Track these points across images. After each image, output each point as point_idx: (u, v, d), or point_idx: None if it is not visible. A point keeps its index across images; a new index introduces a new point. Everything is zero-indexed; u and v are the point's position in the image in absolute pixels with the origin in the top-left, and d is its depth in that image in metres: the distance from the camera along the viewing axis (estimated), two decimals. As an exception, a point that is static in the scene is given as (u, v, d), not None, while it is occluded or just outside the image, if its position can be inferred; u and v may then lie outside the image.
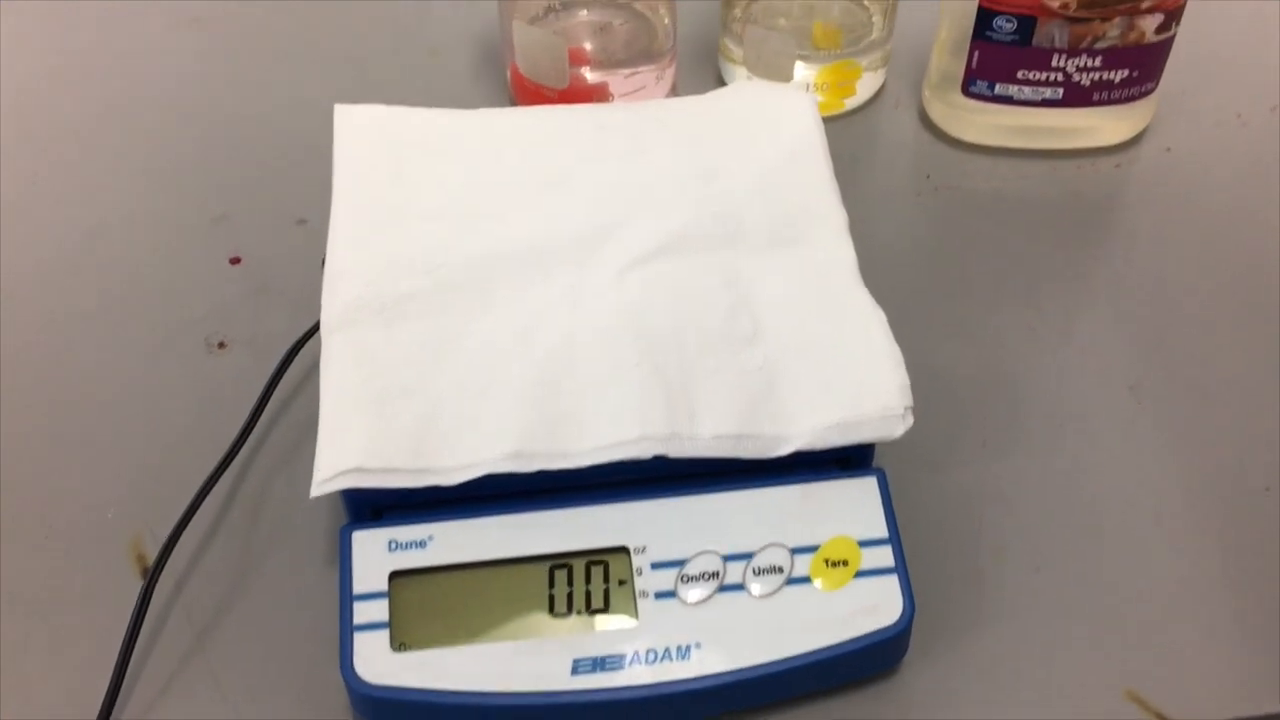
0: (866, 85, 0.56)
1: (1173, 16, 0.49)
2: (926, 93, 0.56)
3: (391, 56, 0.61)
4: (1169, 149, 0.55)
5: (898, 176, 0.54)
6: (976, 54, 0.51)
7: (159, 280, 0.50)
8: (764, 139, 0.47)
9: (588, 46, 0.54)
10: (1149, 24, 0.49)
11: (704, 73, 0.59)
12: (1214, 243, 0.51)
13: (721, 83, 0.58)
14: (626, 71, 0.54)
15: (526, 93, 0.55)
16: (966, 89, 0.52)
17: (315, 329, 0.44)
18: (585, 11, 0.55)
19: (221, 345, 0.47)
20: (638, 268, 0.43)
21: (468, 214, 0.45)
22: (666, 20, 0.54)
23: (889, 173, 0.54)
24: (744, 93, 0.49)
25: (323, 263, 0.45)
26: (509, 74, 0.56)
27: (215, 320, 0.48)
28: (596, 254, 0.43)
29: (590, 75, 0.53)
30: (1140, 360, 0.47)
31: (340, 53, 0.61)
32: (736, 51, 0.55)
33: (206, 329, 0.48)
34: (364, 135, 0.48)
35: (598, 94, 0.54)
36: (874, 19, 0.55)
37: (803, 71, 0.54)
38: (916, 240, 0.52)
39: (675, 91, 0.57)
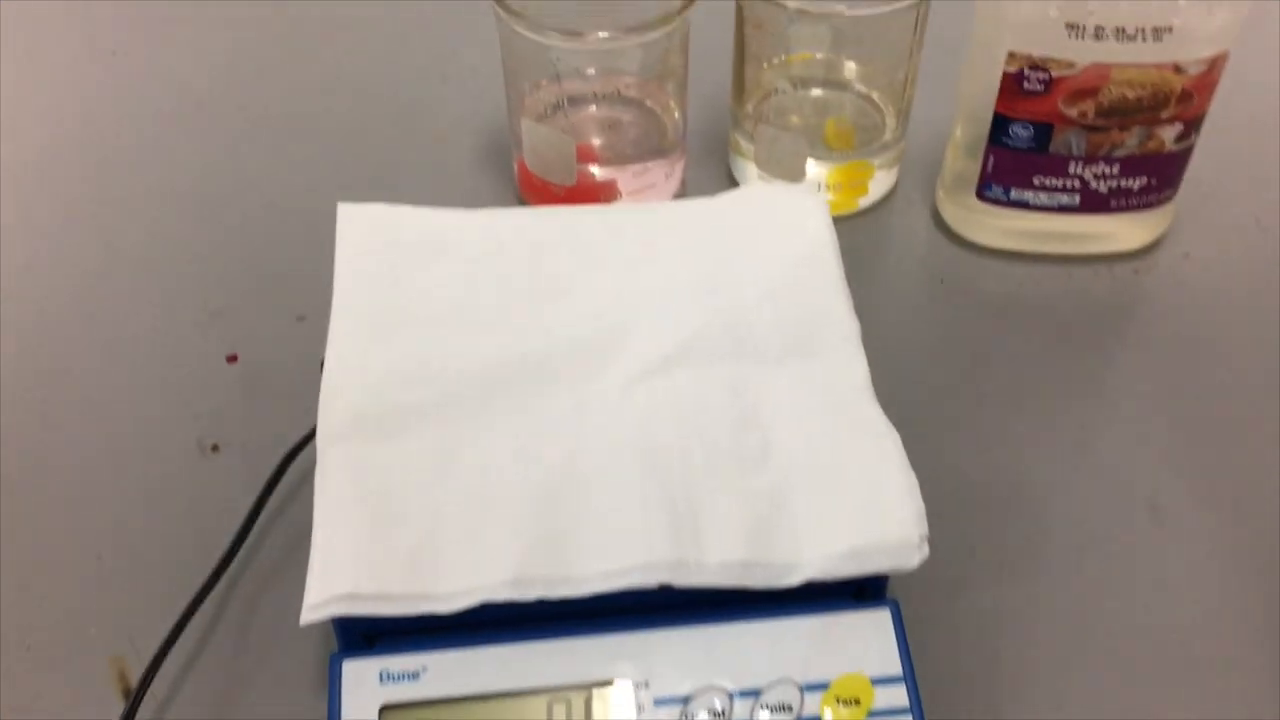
0: (879, 184, 0.55)
1: (1192, 126, 0.48)
2: (940, 193, 0.55)
3: (398, 144, 0.60)
4: (1187, 255, 0.54)
5: (910, 278, 0.53)
6: (992, 159, 0.50)
7: (152, 376, 0.49)
8: (775, 245, 0.46)
9: (596, 143, 0.54)
10: (1168, 133, 0.48)
11: (714, 166, 0.58)
12: (1234, 352, 0.50)
13: (731, 177, 0.57)
14: (636, 168, 0.53)
15: (533, 187, 0.54)
16: (981, 193, 0.52)
17: (311, 435, 0.43)
18: (594, 107, 0.55)
19: (214, 448, 0.46)
20: (644, 381, 0.42)
21: (470, 320, 0.44)
22: (677, 115, 0.54)
23: (901, 274, 0.54)
24: (754, 195, 0.49)
25: (321, 365, 0.44)
26: (516, 166, 0.56)
27: (208, 420, 0.47)
28: (602, 365, 0.42)
29: (599, 172, 0.53)
30: (1160, 475, 0.45)
31: (346, 139, 0.61)
32: (748, 147, 0.54)
33: (199, 430, 0.47)
34: (366, 236, 0.47)
35: (606, 191, 0.53)
36: (887, 119, 0.55)
37: (814, 169, 0.53)
38: (929, 345, 0.51)
39: (685, 186, 0.56)
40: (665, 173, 0.54)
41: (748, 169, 0.55)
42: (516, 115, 0.53)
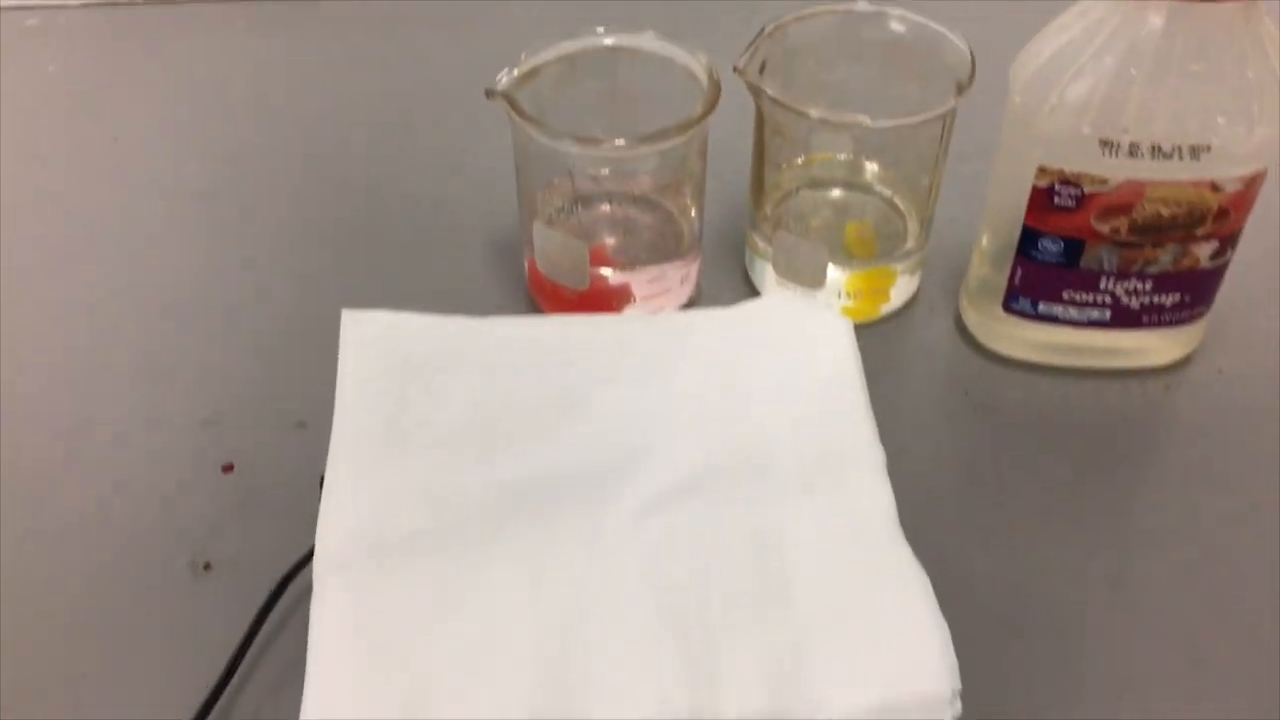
0: (901, 290, 0.54)
1: (1228, 243, 0.47)
2: (964, 301, 0.53)
3: (406, 239, 0.59)
4: (1221, 370, 0.52)
5: (933, 391, 0.52)
6: (1020, 272, 0.49)
7: (142, 487, 0.47)
8: (796, 367, 0.44)
9: (609, 244, 0.52)
10: (1203, 250, 0.47)
11: (730, 265, 0.57)
12: (1272, 474, 0.48)
13: (747, 279, 0.56)
14: (651, 273, 0.51)
15: (544, 290, 0.53)
16: (1008, 305, 0.50)
17: (309, 557, 0.41)
18: (608, 206, 0.54)
19: (207, 567, 0.44)
20: (658, 512, 0.40)
21: (476, 441, 0.42)
22: (693, 216, 0.52)
23: (924, 387, 0.52)
24: (774, 311, 0.47)
25: (321, 480, 0.43)
26: (526, 266, 0.54)
27: (202, 536, 0.45)
28: (614, 493, 0.40)
29: (612, 276, 0.51)
30: (1198, 612, 0.43)
31: (352, 235, 0.59)
32: (765, 249, 0.53)
33: (192, 547, 0.45)
34: (371, 346, 0.46)
35: (619, 295, 0.52)
36: (909, 224, 0.54)
37: (835, 274, 0.52)
38: (953, 461, 0.49)
39: (700, 288, 0.55)
40: (681, 276, 0.53)
41: (765, 272, 0.54)
42: (528, 216, 0.52)
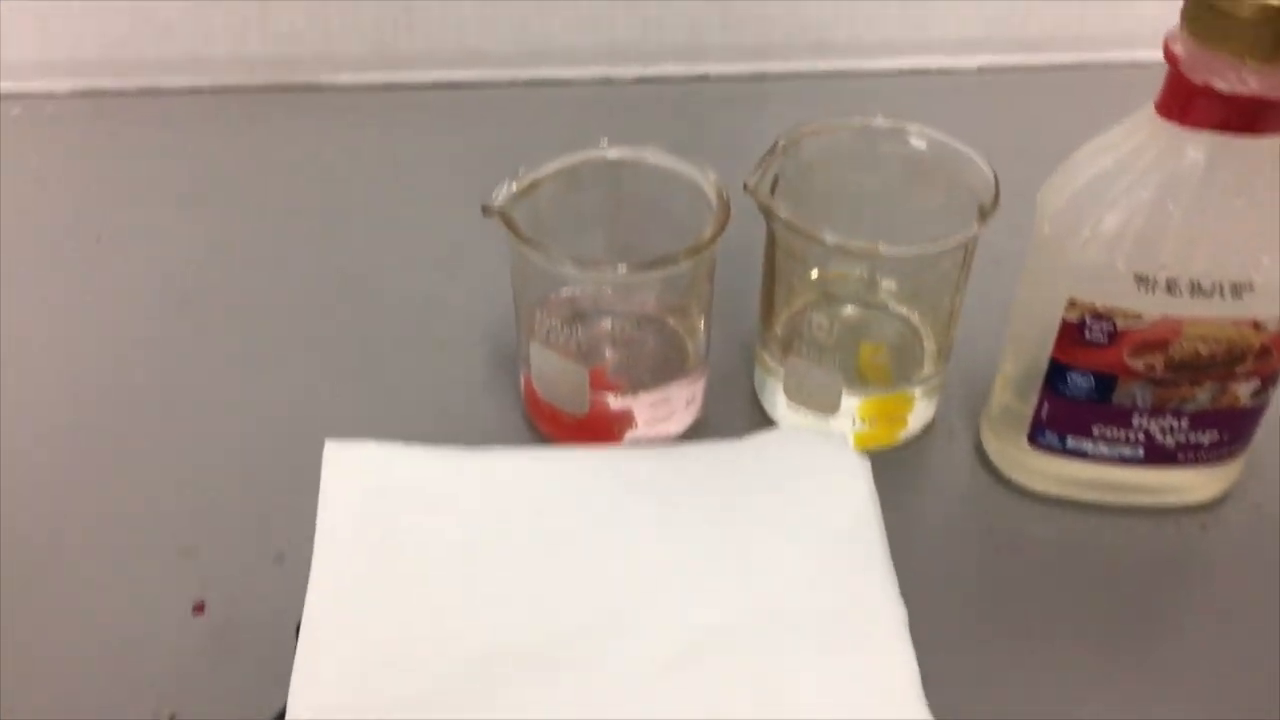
0: (919, 415, 0.51)
1: (1269, 381, 0.44)
2: (985, 429, 0.51)
3: (396, 348, 0.56)
4: (1260, 507, 0.49)
5: (954, 526, 0.49)
6: (1047, 406, 0.46)
7: (106, 630, 0.44)
8: (812, 513, 0.42)
9: (610, 360, 0.49)
10: (1244, 389, 0.44)
11: (738, 382, 0.54)
12: (1318, 627, 0.45)
13: (755, 398, 0.53)
14: (654, 397, 0.49)
15: (541, 411, 0.50)
16: (1034, 439, 0.47)
17: (282, 715, 0.38)
18: (609, 322, 0.51)
19: (171, 721, 0.41)
20: (661, 677, 0.37)
21: (465, 592, 0.39)
22: (701, 333, 0.50)
23: (943, 521, 0.49)
24: (787, 447, 0.45)
25: (297, 629, 0.40)
26: (523, 383, 0.52)
27: (168, 687, 0.42)
28: (614, 654, 0.38)
29: (613, 401, 0.49)
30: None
31: (340, 342, 0.57)
32: (775, 368, 0.50)
33: (155, 699, 0.42)
34: (355, 482, 0.43)
35: (621, 420, 0.49)
36: (926, 345, 0.51)
37: (849, 400, 0.49)
38: (975, 603, 0.46)
39: (705, 410, 0.52)
40: (686, 398, 0.50)
41: (776, 394, 0.51)
42: (525, 333, 0.49)
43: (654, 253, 0.50)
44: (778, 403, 0.51)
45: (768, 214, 0.47)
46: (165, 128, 0.71)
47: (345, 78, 0.73)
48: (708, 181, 0.48)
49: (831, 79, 0.75)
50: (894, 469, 0.50)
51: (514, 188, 0.48)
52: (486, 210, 0.47)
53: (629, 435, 0.50)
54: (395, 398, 0.54)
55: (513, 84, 0.74)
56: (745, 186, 0.47)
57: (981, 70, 0.76)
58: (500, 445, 0.50)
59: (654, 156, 0.50)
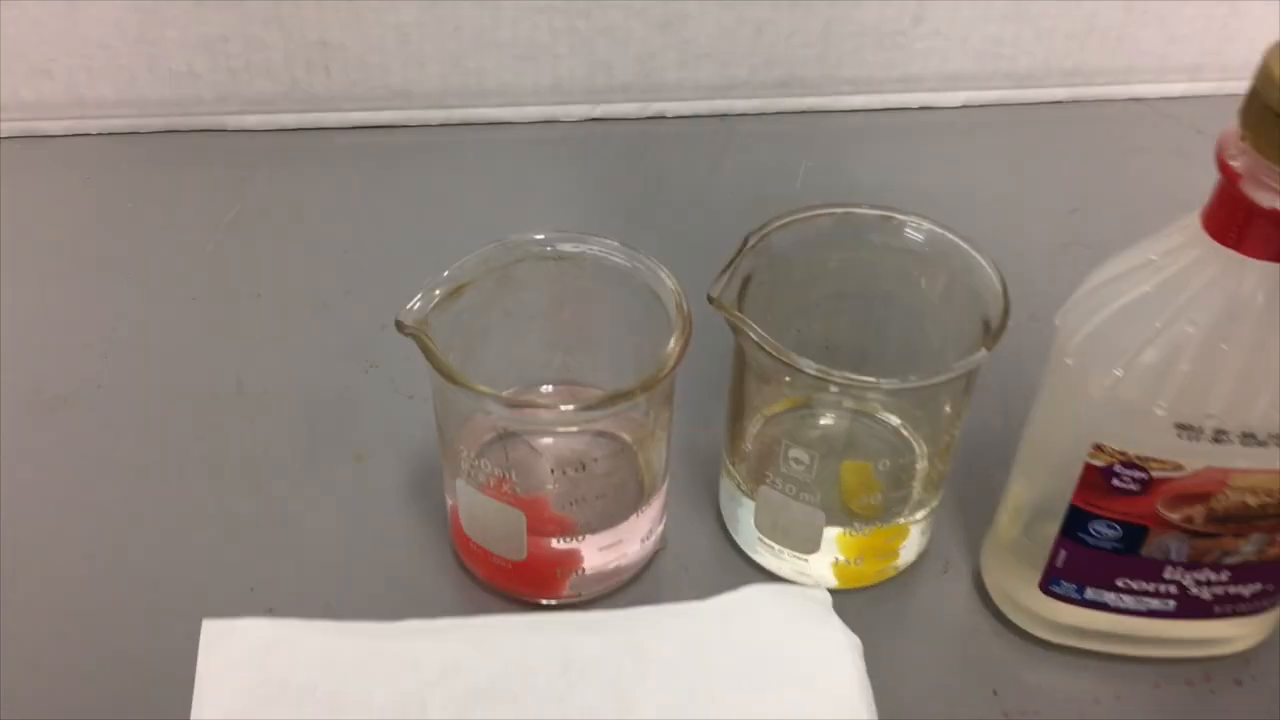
0: (911, 545, 0.45)
1: (1325, 529, 0.38)
2: (987, 563, 0.44)
3: (303, 462, 0.49)
4: (1301, 654, 0.44)
5: (949, 677, 0.42)
6: (1063, 554, 0.40)
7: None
8: (792, 703, 0.35)
9: (551, 497, 0.42)
10: (1296, 541, 0.38)
11: (699, 499, 0.47)
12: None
13: (720, 521, 0.46)
14: (605, 539, 0.42)
15: (471, 551, 0.43)
16: (1047, 587, 0.41)
17: None
18: (549, 440, 0.44)
19: None
20: None
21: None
22: (661, 457, 0.43)
23: (938, 672, 0.42)
24: (760, 618, 0.38)
25: None
26: (449, 512, 0.44)
27: None
28: None
29: (556, 544, 0.42)
30: None
31: (230, 445, 0.49)
32: (742, 493, 0.44)
33: None
34: (236, 670, 0.36)
35: (565, 562, 0.42)
36: (919, 461, 0.44)
37: (831, 532, 0.43)
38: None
39: (664, 539, 0.45)
40: (642, 534, 0.43)
41: (744, 522, 0.44)
42: (449, 464, 0.42)
43: (603, 355, 0.43)
44: (747, 533, 0.45)
45: (736, 329, 0.40)
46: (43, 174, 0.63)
47: (252, 120, 0.65)
48: (665, 289, 0.41)
49: (802, 118, 0.69)
50: (882, 613, 0.44)
51: (435, 295, 0.40)
52: (401, 327, 0.39)
53: (573, 579, 0.43)
54: (294, 522, 0.46)
55: (444, 125, 0.66)
56: (710, 298, 0.40)
57: (966, 107, 0.69)
58: (419, 597, 0.43)
59: (601, 251, 0.42)
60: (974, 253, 0.41)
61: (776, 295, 0.43)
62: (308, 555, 0.45)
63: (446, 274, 0.41)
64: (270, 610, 0.43)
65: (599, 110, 0.67)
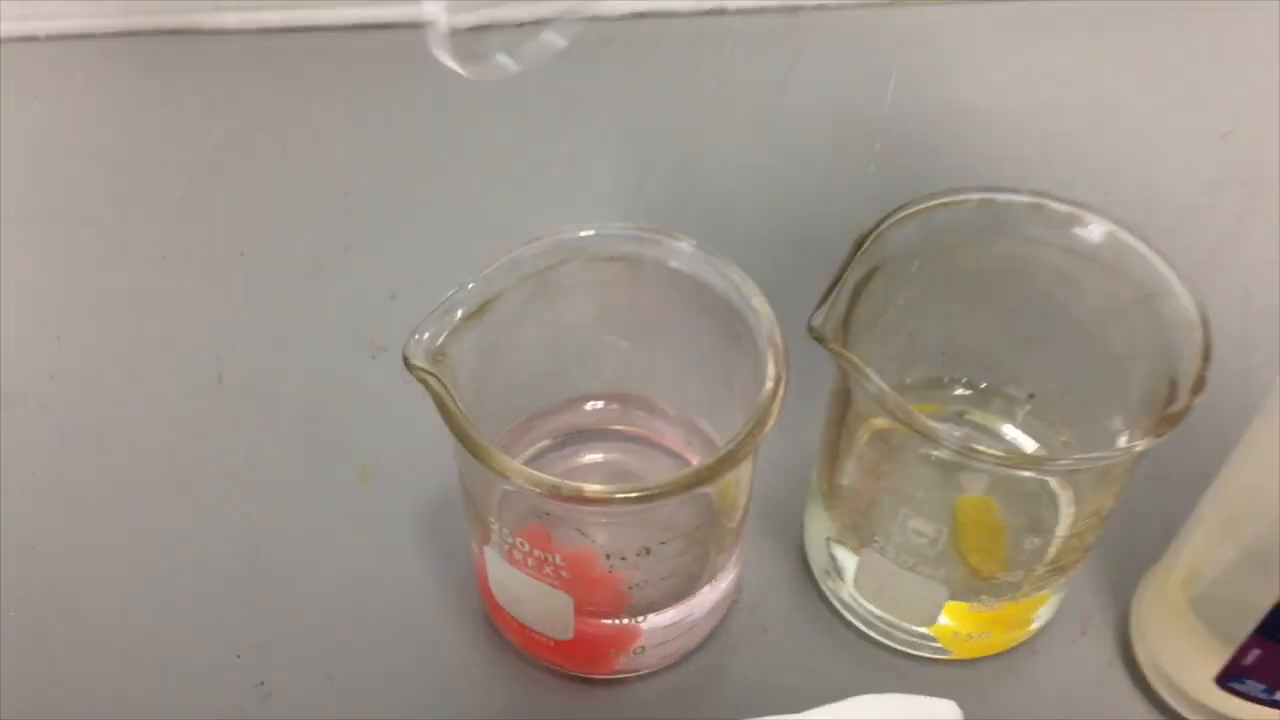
0: (1047, 610, 0.36)
1: None
2: (1141, 634, 0.36)
3: (299, 480, 0.41)
4: None
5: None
6: (1256, 653, 0.32)
7: None
8: None
9: (605, 579, 0.33)
10: None
11: (780, 532, 0.39)
12: None
13: (805, 567, 0.38)
14: (667, 618, 0.34)
15: (505, 621, 0.35)
16: (1225, 682, 0.33)
17: None
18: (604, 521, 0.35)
19: None
20: None
21: None
22: (737, 524, 0.34)
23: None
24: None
25: None
26: (475, 564, 0.36)
27: None
28: None
29: (609, 623, 0.34)
30: None
31: (221, 461, 0.41)
32: (841, 534, 0.35)
33: None
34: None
35: (619, 640, 0.34)
36: (1062, 507, 0.36)
37: (954, 605, 0.34)
38: None
39: (736, 600, 0.37)
40: (710, 605, 0.35)
41: (839, 581, 0.36)
42: (475, 529, 0.34)
43: (670, 364, 0.35)
44: (841, 590, 0.37)
45: (846, 372, 0.31)
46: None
47: (232, 19, 0.55)
48: (752, 310, 0.32)
49: (889, 11, 0.57)
50: (1001, 679, 0.36)
51: (453, 320, 0.31)
52: (409, 365, 0.31)
53: (628, 657, 0.35)
54: (286, 568, 0.39)
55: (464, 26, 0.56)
56: (810, 329, 0.31)
57: (1087, -4, 0.58)
58: (442, 665, 0.36)
59: (668, 256, 0.33)
60: (1163, 267, 0.32)
61: (890, 298, 0.34)
62: (303, 606, 0.38)
63: (470, 287, 0.32)
64: (261, 683, 0.36)
65: (644, 4, 0.56)
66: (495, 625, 0.37)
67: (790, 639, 0.37)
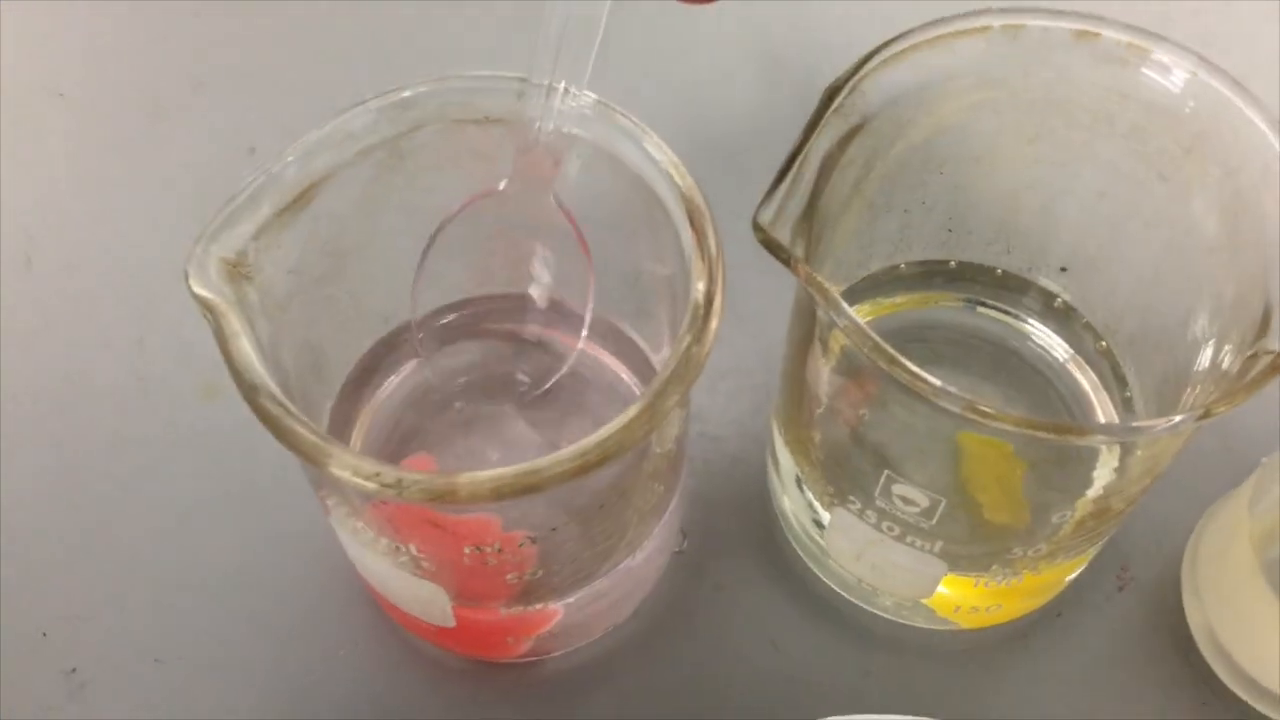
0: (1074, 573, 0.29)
1: None
2: (1193, 591, 0.29)
3: (127, 392, 0.32)
4: None
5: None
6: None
7: None
8: None
9: (487, 569, 0.25)
10: None
11: (738, 468, 0.31)
12: None
13: (768, 505, 0.30)
14: (579, 600, 0.26)
15: (386, 603, 0.28)
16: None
17: None
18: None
19: None
20: None
21: None
22: (670, 467, 0.26)
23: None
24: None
25: None
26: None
27: None
28: None
29: (504, 610, 0.26)
30: None
31: (31, 369, 0.33)
32: (813, 491, 0.27)
33: None
34: None
35: (519, 628, 0.27)
36: (1098, 470, 0.27)
37: (955, 578, 0.27)
38: None
39: (680, 549, 0.30)
40: (635, 580, 0.27)
41: (804, 529, 0.28)
42: (322, 498, 0.25)
43: (577, 295, 0.26)
44: (811, 547, 0.29)
45: (810, 286, 0.22)
46: None
47: None
48: (674, 189, 0.23)
49: None
50: (1018, 645, 0.29)
51: (260, 216, 0.23)
52: (195, 294, 0.22)
53: (533, 642, 0.27)
54: (113, 513, 0.31)
55: None
56: (756, 228, 0.22)
57: None
58: (323, 640, 0.29)
59: (560, 116, 0.24)
60: (1258, 119, 0.22)
61: (874, 166, 0.25)
62: (128, 570, 0.30)
63: (282, 169, 0.23)
64: (73, 670, 0.29)
65: None
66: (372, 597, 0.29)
67: (748, 602, 0.30)
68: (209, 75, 0.38)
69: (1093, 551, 0.27)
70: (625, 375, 0.29)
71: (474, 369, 0.29)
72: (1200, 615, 0.29)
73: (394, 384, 0.29)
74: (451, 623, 0.26)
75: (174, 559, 0.30)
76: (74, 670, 0.29)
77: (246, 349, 0.21)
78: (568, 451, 0.20)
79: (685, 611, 0.30)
